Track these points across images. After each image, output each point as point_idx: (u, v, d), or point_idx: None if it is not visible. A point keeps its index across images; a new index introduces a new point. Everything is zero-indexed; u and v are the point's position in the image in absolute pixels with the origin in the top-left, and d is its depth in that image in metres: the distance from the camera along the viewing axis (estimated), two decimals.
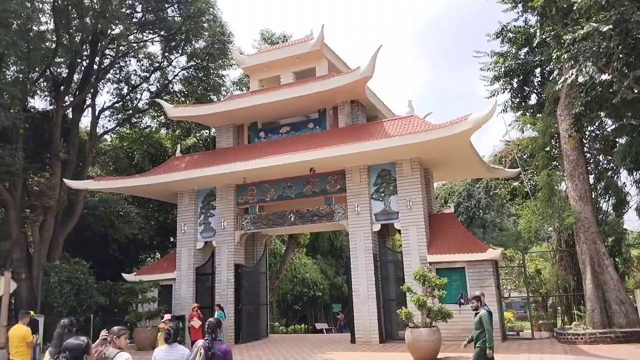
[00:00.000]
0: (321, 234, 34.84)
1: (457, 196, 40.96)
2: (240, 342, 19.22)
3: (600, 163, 19.20)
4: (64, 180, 21.00)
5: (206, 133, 34.28)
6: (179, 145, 23.50)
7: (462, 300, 16.34)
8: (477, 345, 9.33)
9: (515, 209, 26.18)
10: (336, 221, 18.93)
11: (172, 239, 32.99)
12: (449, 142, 16.34)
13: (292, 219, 19.63)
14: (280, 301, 33.13)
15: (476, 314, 9.55)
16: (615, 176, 18.64)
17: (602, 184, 18.91)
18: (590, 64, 10.14)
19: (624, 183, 18.14)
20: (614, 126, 18.74)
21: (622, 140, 19.65)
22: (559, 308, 18.60)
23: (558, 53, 11.93)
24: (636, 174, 16.37)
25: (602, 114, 15.34)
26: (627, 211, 17.73)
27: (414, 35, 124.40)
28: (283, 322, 33.84)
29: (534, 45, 18.07)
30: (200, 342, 5.66)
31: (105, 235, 27.26)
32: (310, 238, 33.35)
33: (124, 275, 21.75)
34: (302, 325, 34.53)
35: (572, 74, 10.78)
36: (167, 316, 14.98)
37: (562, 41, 11.72)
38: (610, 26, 9.51)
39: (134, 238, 27.59)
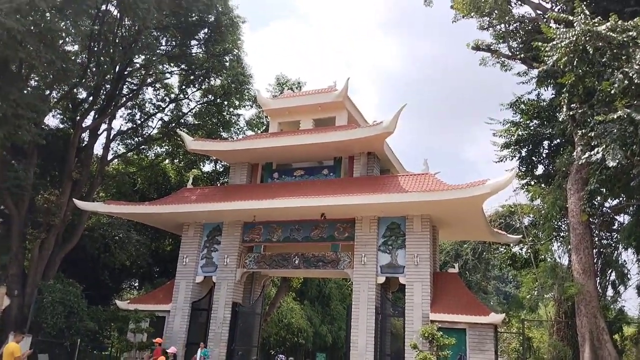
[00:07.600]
0: (310, 279, 34.61)
1: (445, 255, 41.19)
2: None
3: (602, 239, 19.72)
4: (74, 200, 20.82)
5: (210, 167, 34.59)
6: (191, 177, 23.53)
7: None
8: None
9: (512, 274, 26.42)
10: (341, 269, 19.00)
11: (158, 269, 32.61)
12: (463, 203, 16.77)
13: (297, 262, 19.65)
14: (262, 345, 32.41)
15: None
16: (615, 253, 19.14)
17: (601, 259, 19.40)
18: (618, 147, 10.75)
19: (624, 260, 18.59)
20: (614, 204, 19.44)
21: (621, 219, 20.32)
22: None
23: (583, 131, 12.60)
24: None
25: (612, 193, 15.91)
26: (627, 289, 18.11)
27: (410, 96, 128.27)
28: None
29: (550, 119, 18.88)
30: None
31: (97, 259, 26.82)
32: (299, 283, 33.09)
33: (117, 302, 21.31)
34: None
35: (598, 153, 11.39)
36: (173, 348, 14.84)
37: (588, 120, 12.42)
38: None
39: (128, 264, 27.20)
